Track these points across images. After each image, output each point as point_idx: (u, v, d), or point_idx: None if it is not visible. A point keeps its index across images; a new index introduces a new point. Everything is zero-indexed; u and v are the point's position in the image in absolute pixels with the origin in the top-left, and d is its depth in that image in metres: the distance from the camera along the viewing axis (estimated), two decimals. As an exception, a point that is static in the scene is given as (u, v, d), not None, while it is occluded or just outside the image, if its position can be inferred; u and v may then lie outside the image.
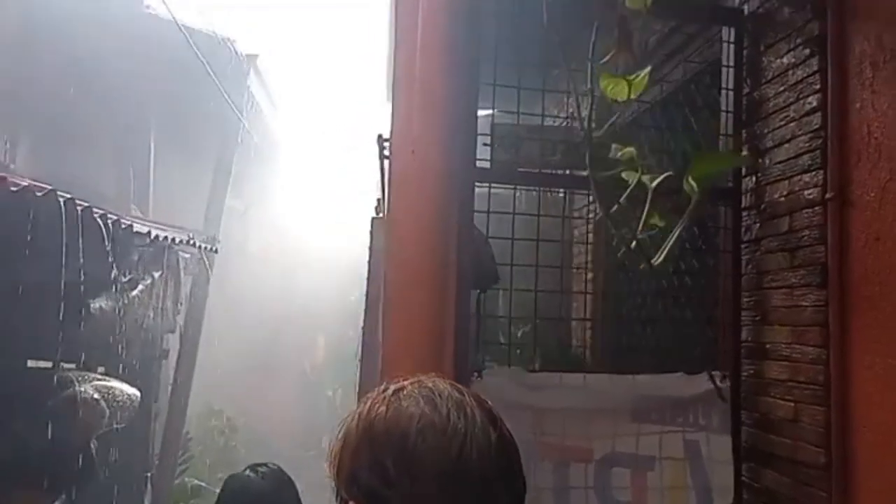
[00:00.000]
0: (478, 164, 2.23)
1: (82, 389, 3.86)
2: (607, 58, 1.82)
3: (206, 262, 7.24)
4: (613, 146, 1.84)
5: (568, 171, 2.50)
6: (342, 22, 30.67)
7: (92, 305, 4.06)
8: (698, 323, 2.66)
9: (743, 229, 2.38)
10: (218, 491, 2.66)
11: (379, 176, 3.27)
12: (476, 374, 2.10)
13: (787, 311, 2.17)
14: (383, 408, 0.91)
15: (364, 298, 3.36)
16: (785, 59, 2.24)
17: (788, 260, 2.17)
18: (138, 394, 4.44)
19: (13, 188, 3.12)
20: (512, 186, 2.51)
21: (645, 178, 1.76)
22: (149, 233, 4.76)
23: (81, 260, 3.48)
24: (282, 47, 18.96)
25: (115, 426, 4.16)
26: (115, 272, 4.08)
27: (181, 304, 6.35)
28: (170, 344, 6.46)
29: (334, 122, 17.00)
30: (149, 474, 5.84)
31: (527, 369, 2.37)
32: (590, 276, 3.54)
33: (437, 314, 1.94)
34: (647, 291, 3.05)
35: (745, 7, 2.46)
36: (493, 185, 2.35)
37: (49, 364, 3.95)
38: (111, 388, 4.13)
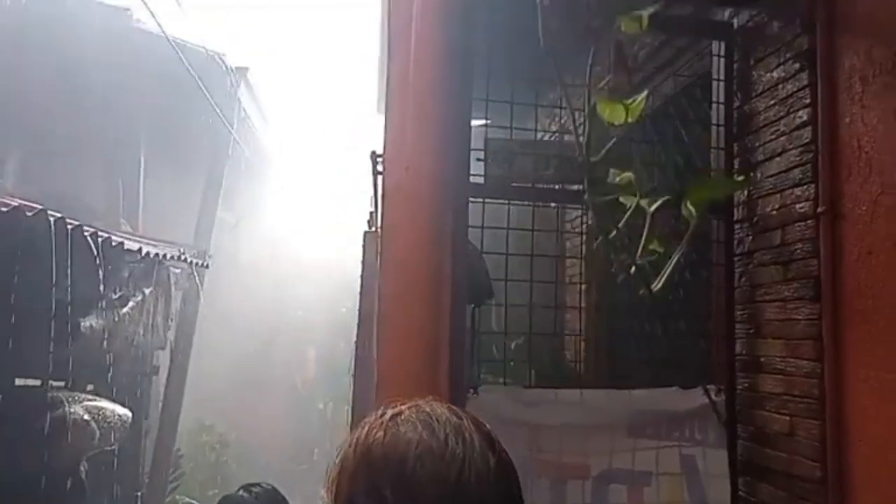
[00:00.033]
0: (471, 179, 2.23)
1: (72, 411, 3.81)
2: (604, 82, 1.82)
3: (197, 278, 7.20)
4: (611, 171, 1.83)
5: (561, 186, 2.50)
6: (332, 28, 30.73)
7: (82, 323, 4.02)
8: (692, 336, 2.66)
9: (735, 242, 2.39)
10: None
11: (372, 191, 3.27)
12: (472, 390, 2.09)
13: (780, 324, 2.17)
14: (381, 433, 0.89)
15: (357, 311, 3.35)
16: (775, 73, 2.25)
17: (781, 273, 2.18)
18: (129, 414, 4.39)
19: (3, 209, 3.10)
20: (505, 201, 2.50)
21: (643, 203, 1.75)
22: (139, 249, 4.74)
23: (71, 278, 3.45)
24: (271, 56, 18.98)
25: (105, 447, 4.10)
26: (105, 290, 4.05)
27: (172, 319, 6.31)
28: (160, 360, 6.41)
29: (325, 134, 17.03)
30: (139, 493, 5.77)
31: (521, 384, 2.36)
32: (583, 287, 3.53)
33: (432, 329, 1.93)
34: (640, 304, 3.04)
35: (735, 21, 2.47)
36: (486, 199, 2.35)
37: (38, 383, 3.91)
38: (102, 408, 4.08)
